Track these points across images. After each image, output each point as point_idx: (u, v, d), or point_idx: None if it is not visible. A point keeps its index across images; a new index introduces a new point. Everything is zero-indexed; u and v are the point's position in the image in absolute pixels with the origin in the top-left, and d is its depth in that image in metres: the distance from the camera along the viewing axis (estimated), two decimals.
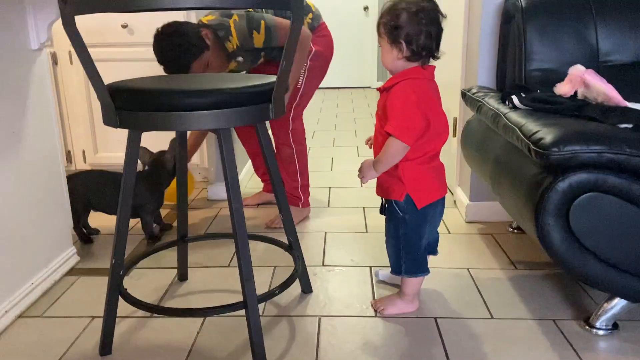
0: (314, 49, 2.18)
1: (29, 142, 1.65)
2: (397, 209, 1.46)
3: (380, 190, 1.52)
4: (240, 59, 2.13)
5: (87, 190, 2.02)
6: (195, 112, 1.17)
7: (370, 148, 1.56)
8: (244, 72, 2.28)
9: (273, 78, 1.30)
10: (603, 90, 1.47)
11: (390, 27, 1.35)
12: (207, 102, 1.17)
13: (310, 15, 2.16)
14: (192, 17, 2.47)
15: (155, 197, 2.08)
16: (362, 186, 2.66)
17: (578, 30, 1.81)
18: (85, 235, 2.10)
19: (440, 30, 1.36)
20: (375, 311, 1.57)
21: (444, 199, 1.51)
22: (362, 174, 1.45)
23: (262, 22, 1.98)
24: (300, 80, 2.19)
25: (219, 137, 1.24)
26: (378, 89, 1.48)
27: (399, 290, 1.58)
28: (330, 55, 2.28)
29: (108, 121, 1.23)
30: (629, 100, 1.50)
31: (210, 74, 1.48)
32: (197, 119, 1.18)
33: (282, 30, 2.00)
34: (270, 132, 2.27)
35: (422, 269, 1.52)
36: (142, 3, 1.02)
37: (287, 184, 2.30)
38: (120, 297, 1.38)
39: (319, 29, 2.22)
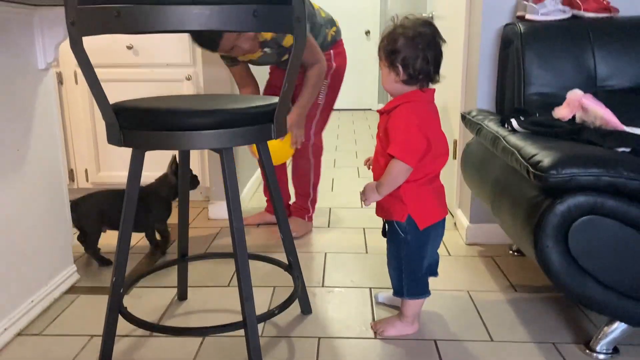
0: (334, 65, 2.28)
1: (32, 160, 1.66)
2: (399, 230, 1.46)
3: (381, 211, 1.53)
4: (267, 50, 2.14)
5: (103, 210, 2.04)
6: (198, 132, 1.19)
7: (369, 169, 1.58)
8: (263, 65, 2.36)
9: (275, 99, 1.32)
10: (601, 114, 1.49)
11: (388, 51, 1.38)
12: (210, 121, 1.19)
13: (333, 29, 2.28)
14: None
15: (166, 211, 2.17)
16: (362, 207, 2.66)
17: (576, 56, 1.83)
18: (102, 257, 2.08)
19: (438, 55, 1.38)
20: (375, 333, 1.56)
21: (444, 220, 1.51)
22: (365, 196, 1.46)
23: None
24: (321, 96, 2.29)
25: (221, 156, 1.25)
26: (378, 111, 1.50)
27: (399, 312, 1.58)
28: (344, 70, 2.39)
29: (112, 140, 1.25)
30: (627, 125, 1.52)
31: (212, 95, 1.50)
32: (200, 138, 1.19)
33: (309, 46, 2.07)
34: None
35: (423, 291, 1.53)
36: (148, 25, 1.05)
37: (298, 196, 2.40)
38: (119, 315, 1.38)
39: (338, 45, 2.31)
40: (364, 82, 6.88)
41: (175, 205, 1.91)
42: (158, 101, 1.32)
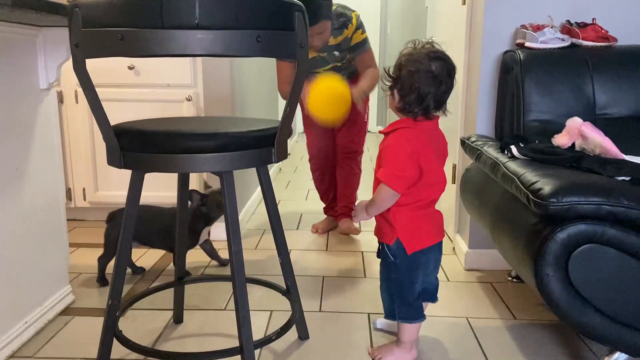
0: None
1: (31, 179, 1.66)
2: (389, 252, 1.47)
3: (377, 231, 1.54)
4: (336, 53, 2.46)
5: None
6: (199, 155, 1.19)
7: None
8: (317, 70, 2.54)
9: (276, 123, 1.33)
10: (600, 142, 1.50)
11: (392, 77, 1.42)
12: (211, 145, 1.19)
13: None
14: None
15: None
16: (357, 234, 2.69)
17: (575, 83, 1.85)
18: (136, 267, 2.15)
19: (439, 92, 1.36)
20: (373, 359, 1.54)
21: (439, 244, 1.50)
22: (355, 213, 1.49)
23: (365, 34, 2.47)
24: (366, 115, 2.70)
25: (221, 179, 1.25)
26: (380, 132, 1.51)
27: (397, 339, 1.56)
28: None
29: (112, 162, 1.24)
30: (626, 153, 1.52)
31: (213, 117, 1.51)
32: (200, 161, 1.19)
33: (369, 51, 2.50)
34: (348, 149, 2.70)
35: (415, 316, 1.50)
36: (151, 49, 1.05)
37: (344, 198, 2.71)
38: (114, 338, 1.36)
39: None
40: None
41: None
42: (159, 123, 1.32)
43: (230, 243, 1.25)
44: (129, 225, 1.32)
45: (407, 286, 1.47)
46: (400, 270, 1.46)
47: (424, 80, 1.35)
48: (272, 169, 4.01)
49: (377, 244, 1.55)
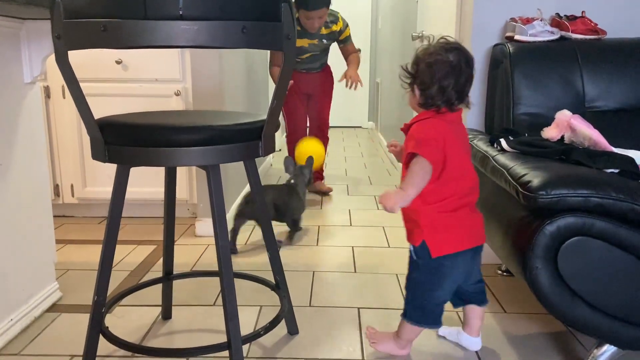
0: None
1: (15, 175, 1.63)
2: (413, 252, 1.41)
3: (407, 235, 1.45)
4: (325, 41, 3.22)
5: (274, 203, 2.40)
6: (185, 149, 1.17)
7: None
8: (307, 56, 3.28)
9: (263, 116, 1.31)
10: (589, 135, 1.49)
11: (410, 73, 1.38)
12: (197, 138, 1.18)
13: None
14: None
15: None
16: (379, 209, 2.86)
17: (564, 76, 1.85)
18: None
19: (460, 82, 1.32)
20: (362, 354, 1.54)
21: (474, 250, 1.41)
22: (386, 200, 1.30)
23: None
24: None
25: (208, 173, 1.23)
26: (402, 129, 1.44)
27: (396, 331, 1.52)
28: None
29: (97, 156, 1.23)
30: (615, 146, 1.52)
31: (200, 111, 1.49)
32: (186, 155, 1.18)
33: (352, 43, 3.37)
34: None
35: (426, 321, 1.44)
36: (135, 40, 1.03)
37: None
38: (101, 335, 1.35)
39: None
40: (354, 100, 6.91)
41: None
42: (144, 117, 1.30)
43: (217, 238, 1.24)
44: (115, 220, 1.30)
45: (425, 290, 1.41)
46: (422, 272, 1.40)
47: (442, 72, 1.31)
48: (263, 164, 3.99)
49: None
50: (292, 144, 3.40)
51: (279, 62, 3.08)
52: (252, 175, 1.44)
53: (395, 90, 4.31)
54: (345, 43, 3.34)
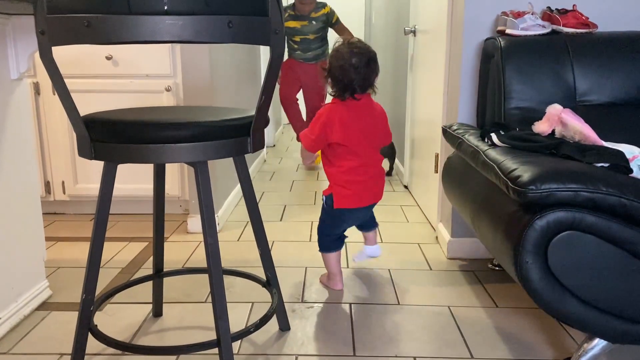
0: None
1: (3, 172, 1.62)
2: (324, 200, 1.88)
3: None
4: (314, 22, 3.81)
5: None
6: (172, 145, 1.16)
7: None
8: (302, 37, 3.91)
9: (252, 112, 1.30)
10: (580, 129, 1.49)
11: (326, 70, 1.79)
12: (184, 134, 1.17)
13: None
14: None
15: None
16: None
17: (555, 70, 1.84)
18: None
19: (359, 79, 1.74)
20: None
21: (364, 208, 1.87)
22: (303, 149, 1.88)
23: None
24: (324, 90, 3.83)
25: (196, 170, 1.22)
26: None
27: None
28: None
29: (83, 153, 1.21)
30: (606, 140, 1.52)
31: (188, 107, 1.48)
32: (173, 151, 1.17)
33: (342, 23, 3.95)
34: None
35: (330, 249, 1.91)
36: (119, 36, 1.02)
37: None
38: (90, 333, 1.34)
39: None
40: None
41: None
42: (130, 113, 1.28)
43: (205, 235, 1.23)
44: (103, 218, 1.29)
45: (327, 227, 1.90)
46: (327, 216, 1.88)
47: (347, 73, 1.73)
48: (257, 160, 3.98)
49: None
50: (287, 108, 4.19)
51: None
52: (242, 171, 1.43)
53: (390, 85, 4.29)
54: (337, 24, 3.95)
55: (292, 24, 3.84)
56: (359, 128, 1.77)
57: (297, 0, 3.79)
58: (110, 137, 1.17)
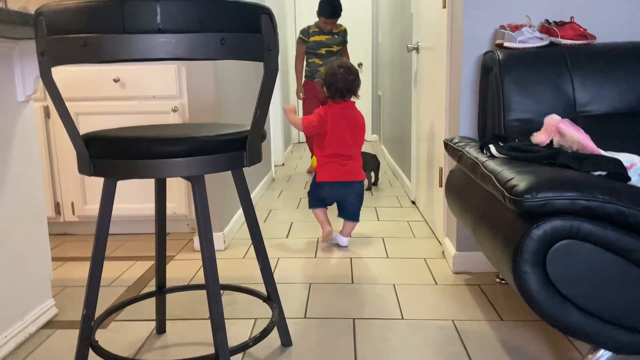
0: None
1: (10, 192, 1.65)
2: (314, 174, 2.62)
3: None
4: (336, 36, 4.38)
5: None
6: (169, 160, 1.18)
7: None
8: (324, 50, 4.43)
9: (247, 127, 1.32)
10: (577, 138, 1.49)
11: (322, 80, 2.56)
12: (180, 149, 1.19)
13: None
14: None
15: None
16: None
17: (554, 82, 1.84)
18: None
19: (344, 87, 2.51)
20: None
21: (340, 183, 2.55)
22: (287, 112, 2.63)
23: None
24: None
25: (193, 184, 1.24)
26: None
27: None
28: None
29: (82, 170, 1.24)
30: (606, 149, 1.51)
31: (186, 124, 1.50)
32: (170, 166, 1.19)
33: (346, 52, 4.57)
34: None
35: (313, 205, 2.65)
36: (114, 54, 1.05)
37: None
38: (91, 349, 1.35)
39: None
40: None
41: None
42: (127, 130, 1.31)
43: (202, 248, 1.24)
44: (103, 234, 1.31)
45: (312, 193, 2.64)
46: (313, 185, 2.63)
47: (335, 81, 2.51)
48: (265, 178, 4.00)
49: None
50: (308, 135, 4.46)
51: (302, 56, 4.47)
52: (240, 185, 1.45)
53: (397, 102, 4.32)
54: (344, 45, 4.53)
55: (317, 37, 4.35)
56: (343, 122, 2.54)
57: (322, 20, 4.28)
58: (108, 154, 1.19)
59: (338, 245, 2.62)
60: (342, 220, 2.66)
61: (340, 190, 2.56)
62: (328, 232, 2.62)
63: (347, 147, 2.52)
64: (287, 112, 2.60)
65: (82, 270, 2.33)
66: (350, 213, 2.59)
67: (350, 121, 2.54)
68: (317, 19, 4.36)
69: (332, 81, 2.50)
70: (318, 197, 2.61)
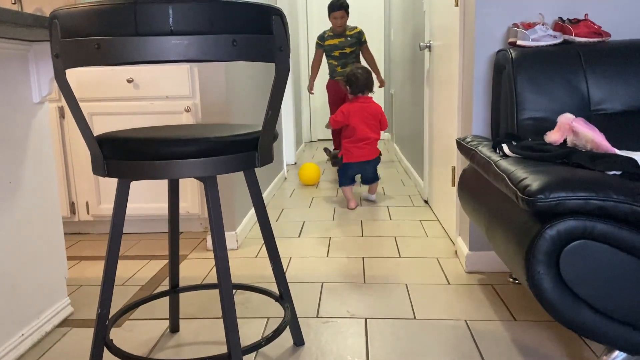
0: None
1: (25, 192, 1.67)
2: (341, 157, 3.44)
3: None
4: (349, 38, 4.53)
5: None
6: (181, 161, 1.19)
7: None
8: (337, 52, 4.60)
9: (259, 127, 1.33)
10: (591, 137, 1.47)
11: (345, 81, 3.40)
12: (192, 150, 1.20)
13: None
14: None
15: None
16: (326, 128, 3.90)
17: (568, 80, 1.83)
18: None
19: (361, 84, 3.33)
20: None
21: (361, 162, 3.38)
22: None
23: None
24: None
25: (205, 184, 1.25)
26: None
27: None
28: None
29: (97, 170, 1.25)
30: (619, 148, 1.50)
31: (198, 125, 1.51)
32: (182, 167, 1.19)
33: (367, 45, 4.67)
34: None
35: (343, 184, 3.43)
36: (127, 56, 1.06)
37: None
38: (105, 348, 1.36)
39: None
40: None
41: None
42: (141, 131, 1.32)
43: (215, 248, 1.25)
44: (117, 233, 1.32)
45: (342, 173, 3.43)
46: (342, 167, 3.43)
47: (356, 80, 3.32)
48: (277, 177, 4.01)
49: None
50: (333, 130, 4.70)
51: (318, 59, 4.73)
52: (252, 186, 1.45)
53: (409, 101, 4.30)
54: (365, 44, 4.66)
55: (331, 41, 4.58)
56: (362, 115, 3.33)
57: (332, 16, 4.48)
58: (122, 155, 1.21)
59: (368, 201, 3.53)
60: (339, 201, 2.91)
61: (361, 166, 3.39)
62: (354, 204, 3.36)
63: (365, 135, 3.32)
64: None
65: (96, 269, 2.35)
66: (371, 178, 3.46)
67: (369, 113, 3.32)
68: (330, 23, 4.59)
69: (354, 80, 3.31)
70: (347, 175, 3.39)
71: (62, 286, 1.87)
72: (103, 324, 1.35)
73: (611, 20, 1.97)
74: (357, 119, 3.28)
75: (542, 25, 1.90)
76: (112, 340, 1.38)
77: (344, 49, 4.58)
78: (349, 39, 4.57)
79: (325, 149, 4.10)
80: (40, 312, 1.74)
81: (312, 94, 5.04)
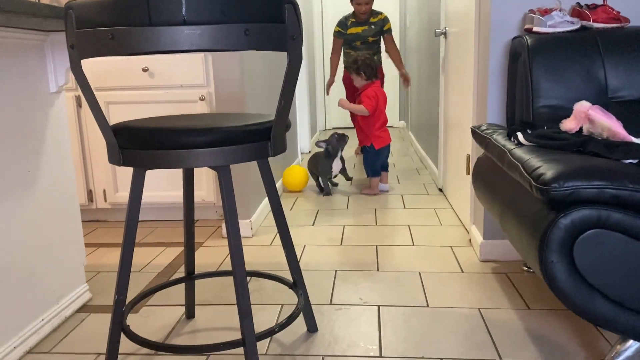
0: None
1: (43, 181, 1.70)
2: (367, 148, 3.44)
3: (361, 142, 3.60)
4: (373, 27, 4.18)
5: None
6: (195, 150, 1.20)
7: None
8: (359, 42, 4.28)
9: (271, 117, 1.33)
10: (608, 125, 1.46)
11: (356, 69, 3.41)
12: (207, 140, 1.21)
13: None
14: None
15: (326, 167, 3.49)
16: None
17: (585, 67, 1.80)
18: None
19: (373, 69, 3.40)
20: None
21: (388, 145, 3.46)
22: (344, 103, 3.46)
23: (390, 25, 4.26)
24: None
25: (219, 174, 1.26)
26: (360, 91, 3.50)
27: (369, 185, 3.51)
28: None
29: (112, 160, 1.27)
30: (637, 137, 1.48)
31: (212, 114, 1.52)
32: (197, 156, 1.21)
33: (391, 35, 4.26)
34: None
35: (375, 174, 3.46)
36: (141, 46, 1.07)
37: None
38: (123, 333, 1.39)
39: None
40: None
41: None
42: (156, 121, 1.34)
43: (229, 236, 1.26)
44: (133, 221, 1.35)
45: (373, 162, 3.44)
46: (371, 155, 3.43)
47: (369, 66, 3.38)
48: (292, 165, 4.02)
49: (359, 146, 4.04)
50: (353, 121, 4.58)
51: (338, 50, 4.34)
52: (265, 174, 1.46)
53: (424, 88, 4.27)
54: (388, 32, 4.23)
55: (354, 30, 4.18)
56: (381, 98, 3.42)
57: (355, 2, 4.03)
58: (137, 144, 1.22)
59: (381, 192, 3.53)
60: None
61: (386, 150, 3.47)
62: (378, 192, 3.50)
63: (385, 117, 3.44)
64: (346, 106, 3.41)
65: (114, 256, 2.39)
66: (386, 164, 3.55)
67: (384, 96, 3.45)
68: (351, 8, 4.14)
69: (368, 65, 3.35)
70: (377, 164, 3.46)
71: (80, 273, 1.91)
72: (120, 310, 1.38)
73: (630, 5, 1.93)
74: (381, 102, 3.39)
75: (559, 11, 1.87)
76: (129, 326, 1.41)
77: (367, 39, 4.17)
78: (372, 27, 4.13)
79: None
80: (60, 298, 1.78)
81: (328, 94, 4.62)
